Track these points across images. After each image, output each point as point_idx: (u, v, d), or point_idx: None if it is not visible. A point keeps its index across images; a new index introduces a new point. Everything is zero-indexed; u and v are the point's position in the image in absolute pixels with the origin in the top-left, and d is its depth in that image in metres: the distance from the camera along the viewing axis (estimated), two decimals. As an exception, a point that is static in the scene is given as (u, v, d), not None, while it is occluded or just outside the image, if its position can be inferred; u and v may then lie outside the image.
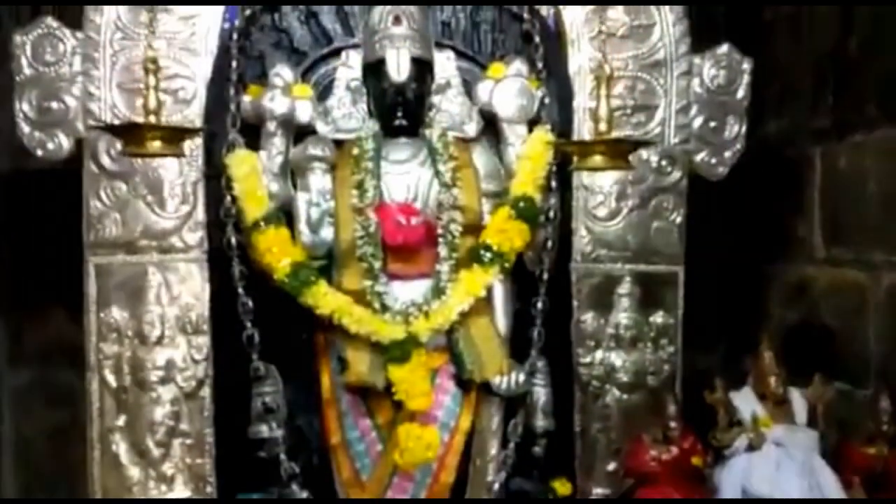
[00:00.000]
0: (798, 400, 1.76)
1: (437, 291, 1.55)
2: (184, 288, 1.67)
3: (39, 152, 1.65)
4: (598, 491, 1.76)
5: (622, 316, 1.76)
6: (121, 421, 1.67)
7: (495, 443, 1.60)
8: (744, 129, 1.78)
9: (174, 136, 1.30)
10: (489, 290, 1.59)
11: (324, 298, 1.52)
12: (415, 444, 1.49)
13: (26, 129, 1.64)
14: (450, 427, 1.59)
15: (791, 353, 1.82)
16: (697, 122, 1.77)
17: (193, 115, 1.62)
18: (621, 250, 1.76)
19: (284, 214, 1.58)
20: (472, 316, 1.57)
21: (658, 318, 1.78)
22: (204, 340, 1.67)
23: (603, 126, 1.32)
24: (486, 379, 1.57)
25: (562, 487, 1.61)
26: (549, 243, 1.64)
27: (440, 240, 1.56)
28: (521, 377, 1.57)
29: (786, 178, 2.13)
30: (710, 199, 1.85)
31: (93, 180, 1.65)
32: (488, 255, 1.55)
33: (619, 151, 1.33)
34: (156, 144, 1.25)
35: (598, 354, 1.76)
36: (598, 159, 1.31)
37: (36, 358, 2.21)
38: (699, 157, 1.77)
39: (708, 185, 1.83)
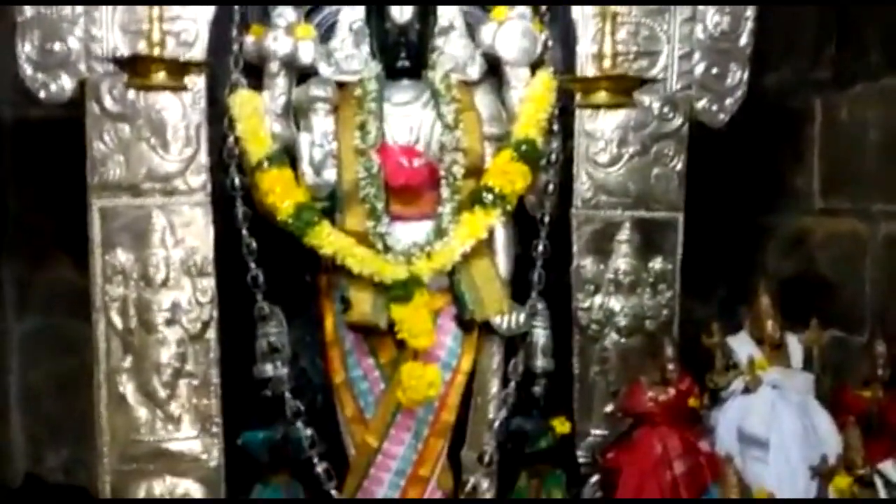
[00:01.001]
0: (794, 344, 1.79)
1: (440, 233, 1.56)
2: (188, 231, 1.68)
3: (42, 94, 1.65)
4: (595, 432, 1.80)
5: (621, 261, 1.78)
6: (127, 362, 1.70)
7: (496, 382, 1.62)
8: (746, 76, 1.78)
9: (178, 70, 1.31)
10: (491, 232, 1.60)
11: (327, 239, 1.53)
12: (417, 381, 1.51)
13: (28, 70, 1.63)
14: (451, 367, 1.61)
15: (788, 304, 1.85)
16: (699, 68, 1.76)
17: (196, 56, 1.62)
18: (622, 196, 1.77)
19: (288, 156, 1.59)
20: (473, 258, 1.59)
21: (657, 263, 1.80)
22: (209, 283, 1.68)
23: (607, 63, 1.33)
24: (486, 319, 1.59)
25: (561, 426, 1.64)
26: (551, 187, 1.65)
27: (442, 182, 1.57)
28: (522, 317, 1.59)
29: (786, 129, 2.14)
30: (710, 151, 1.86)
31: (96, 122, 1.65)
32: (490, 196, 1.56)
33: (622, 87, 1.34)
34: (160, 76, 1.26)
35: (598, 299, 1.78)
36: (602, 95, 1.32)
37: (43, 306, 2.23)
38: (701, 103, 1.77)
39: (708, 136, 1.84)
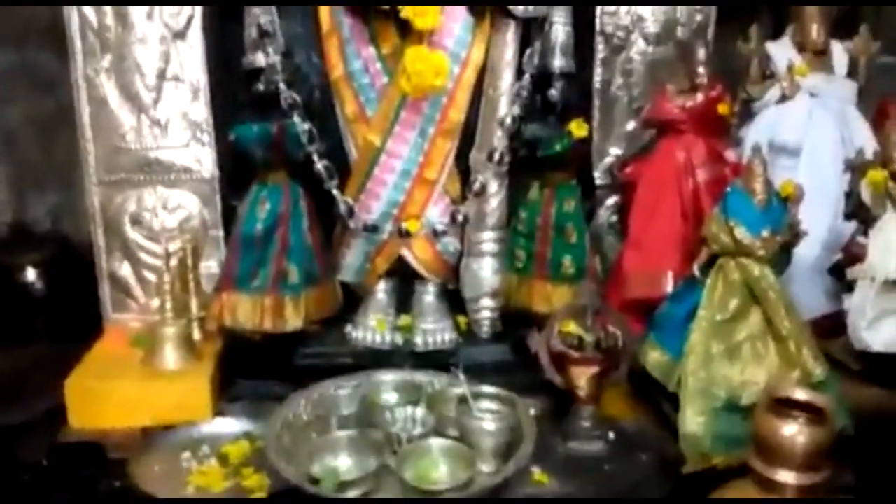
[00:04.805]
0: (839, 52, 1.64)
1: None
2: None
3: None
4: (613, 150, 1.69)
5: (653, -43, 1.59)
6: (106, 62, 1.55)
7: (509, 75, 1.47)
8: None
9: None
10: None
11: None
12: (423, 66, 1.36)
13: None
14: (460, 58, 1.46)
15: (838, 29, 1.67)
16: None
17: None
18: None
19: None
20: (488, -75, 1.39)
21: (694, -42, 1.61)
22: (189, -29, 1.51)
23: None
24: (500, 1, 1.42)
25: (578, 129, 1.50)
26: None
27: None
28: (540, -3, 1.42)
29: None
30: None
31: None
32: None
33: None
34: None
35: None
36: None
37: (12, 40, 2.05)
38: None
39: None
